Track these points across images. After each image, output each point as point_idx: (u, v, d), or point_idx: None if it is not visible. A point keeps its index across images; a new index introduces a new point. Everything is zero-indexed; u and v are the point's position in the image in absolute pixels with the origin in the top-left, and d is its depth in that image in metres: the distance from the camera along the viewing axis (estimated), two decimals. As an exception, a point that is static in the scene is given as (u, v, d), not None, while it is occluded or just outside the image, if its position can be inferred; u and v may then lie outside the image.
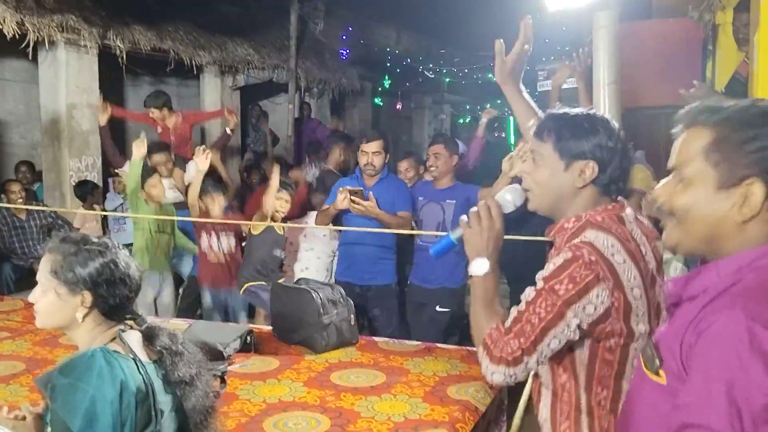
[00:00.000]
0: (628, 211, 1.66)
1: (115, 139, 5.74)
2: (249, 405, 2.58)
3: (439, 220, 4.16)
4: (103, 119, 5.45)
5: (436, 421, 2.45)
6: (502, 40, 2.00)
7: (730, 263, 1.12)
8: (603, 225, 1.59)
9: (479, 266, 1.63)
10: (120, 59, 6.51)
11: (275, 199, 4.49)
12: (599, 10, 2.85)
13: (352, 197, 3.92)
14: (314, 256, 4.52)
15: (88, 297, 1.62)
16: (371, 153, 4.17)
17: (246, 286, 4.56)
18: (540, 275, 1.57)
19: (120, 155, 5.56)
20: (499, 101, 15.47)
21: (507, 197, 1.69)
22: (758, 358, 0.98)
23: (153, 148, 5.14)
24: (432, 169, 4.27)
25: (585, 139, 1.63)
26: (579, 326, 1.52)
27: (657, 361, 1.16)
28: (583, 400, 1.63)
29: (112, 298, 1.64)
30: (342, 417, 2.48)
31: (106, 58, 6.49)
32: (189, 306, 5.05)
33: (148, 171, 4.81)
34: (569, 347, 1.58)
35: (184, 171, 5.32)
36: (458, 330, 4.52)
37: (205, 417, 1.68)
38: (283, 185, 4.58)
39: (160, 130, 5.87)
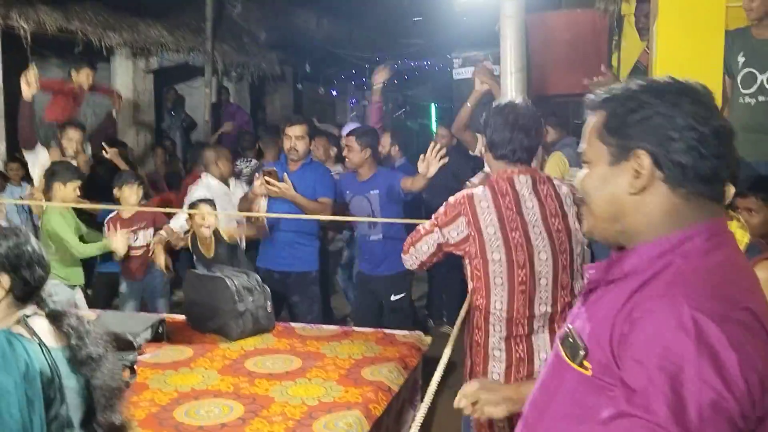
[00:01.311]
0: (523, 177, 2.30)
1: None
2: (159, 394, 2.54)
3: (368, 212, 4.11)
4: (29, 93, 4.62)
5: (350, 402, 2.49)
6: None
7: (653, 247, 1.09)
8: (492, 182, 2.32)
9: None
10: (24, 40, 6.16)
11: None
12: (506, 0, 2.93)
13: (266, 178, 3.88)
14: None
15: (5, 279, 1.61)
16: (294, 137, 4.13)
17: None
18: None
19: (35, 138, 4.93)
20: (420, 87, 15.62)
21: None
22: (705, 351, 0.93)
23: (69, 122, 4.90)
24: (347, 160, 4.22)
25: (484, 120, 2.39)
26: (440, 243, 2.37)
27: (581, 352, 1.11)
28: (472, 300, 2.37)
29: (31, 280, 1.65)
30: (256, 403, 2.49)
31: (9, 39, 6.14)
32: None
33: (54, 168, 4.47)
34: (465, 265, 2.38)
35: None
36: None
37: (111, 398, 1.69)
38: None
39: (53, 93, 5.43)
